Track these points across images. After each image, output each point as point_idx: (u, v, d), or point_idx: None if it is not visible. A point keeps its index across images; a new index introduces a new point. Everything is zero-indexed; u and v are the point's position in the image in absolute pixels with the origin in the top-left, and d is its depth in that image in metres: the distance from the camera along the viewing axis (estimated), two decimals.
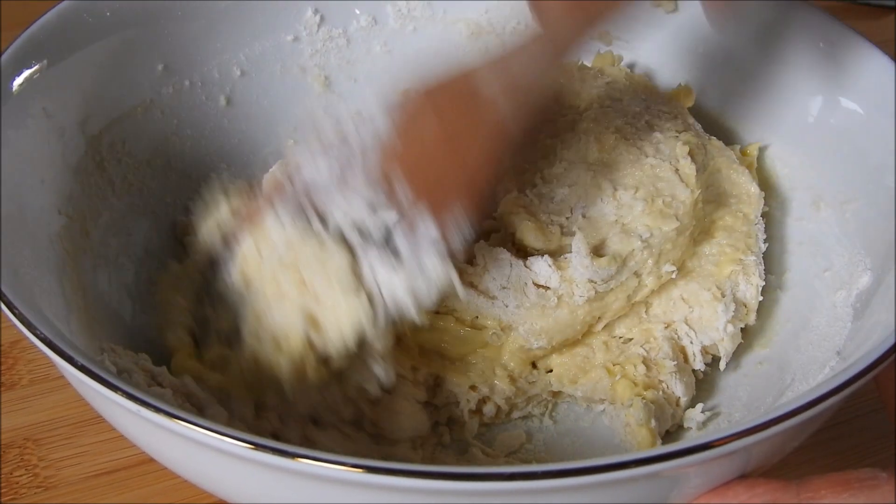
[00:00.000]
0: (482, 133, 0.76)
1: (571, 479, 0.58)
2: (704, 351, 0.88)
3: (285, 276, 0.75)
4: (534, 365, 0.88)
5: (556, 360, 0.88)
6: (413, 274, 0.74)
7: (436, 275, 0.74)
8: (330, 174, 0.77)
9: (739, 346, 0.89)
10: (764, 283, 0.90)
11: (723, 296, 0.87)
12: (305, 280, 0.75)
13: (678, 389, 0.86)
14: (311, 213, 0.76)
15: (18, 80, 0.85)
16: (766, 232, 0.93)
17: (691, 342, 0.88)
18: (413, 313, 0.74)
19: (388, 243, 0.74)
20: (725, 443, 0.60)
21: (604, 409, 0.88)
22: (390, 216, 0.74)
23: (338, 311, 0.74)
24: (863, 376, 0.65)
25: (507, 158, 0.76)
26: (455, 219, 0.74)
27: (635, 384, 0.85)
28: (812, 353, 0.84)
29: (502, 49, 0.79)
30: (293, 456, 0.58)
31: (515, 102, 0.76)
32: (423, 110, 0.78)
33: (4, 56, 0.85)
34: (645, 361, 0.87)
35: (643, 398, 0.84)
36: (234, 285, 0.79)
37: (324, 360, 0.76)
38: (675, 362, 0.86)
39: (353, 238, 0.75)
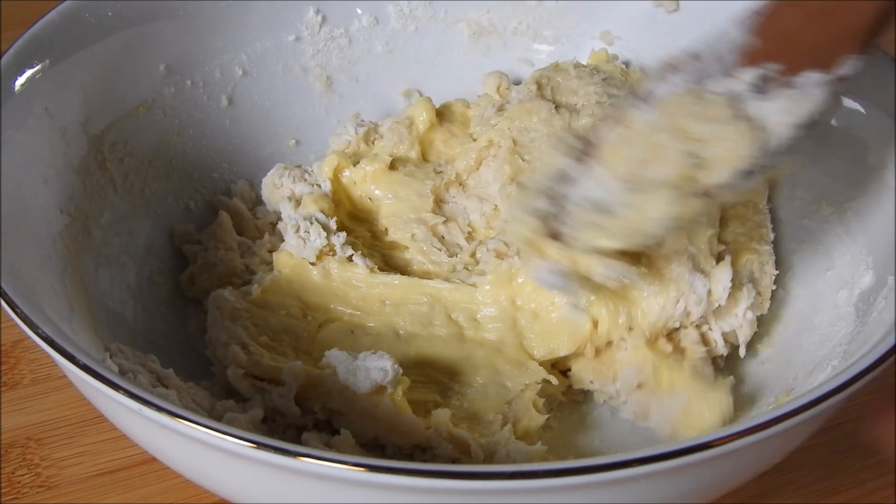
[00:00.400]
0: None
1: (572, 478, 0.58)
2: (724, 339, 0.88)
3: (663, 135, 0.77)
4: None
5: (587, 364, 0.88)
6: (793, 98, 0.74)
7: (813, 101, 0.73)
8: (675, 86, 0.79)
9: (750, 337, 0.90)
10: (777, 273, 0.90)
11: (741, 283, 0.87)
12: (686, 130, 0.76)
13: (707, 373, 0.86)
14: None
15: (20, 80, 0.85)
16: (773, 227, 0.93)
17: (710, 328, 0.87)
18: (799, 137, 0.74)
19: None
20: (725, 442, 0.60)
21: (626, 401, 0.88)
22: (766, 68, 0.75)
23: (727, 144, 0.75)
24: (865, 376, 0.65)
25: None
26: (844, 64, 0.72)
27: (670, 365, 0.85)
28: (814, 352, 0.84)
29: None
30: (296, 455, 0.58)
31: None
32: (780, 7, 0.76)
33: (6, 56, 0.85)
34: (672, 343, 0.86)
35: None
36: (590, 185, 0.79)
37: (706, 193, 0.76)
38: (706, 348, 0.86)
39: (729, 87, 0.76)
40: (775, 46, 0.76)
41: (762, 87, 0.75)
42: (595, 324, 0.85)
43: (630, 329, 0.85)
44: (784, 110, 0.74)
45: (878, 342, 0.69)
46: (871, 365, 0.66)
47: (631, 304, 0.84)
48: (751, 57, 0.77)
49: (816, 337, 0.86)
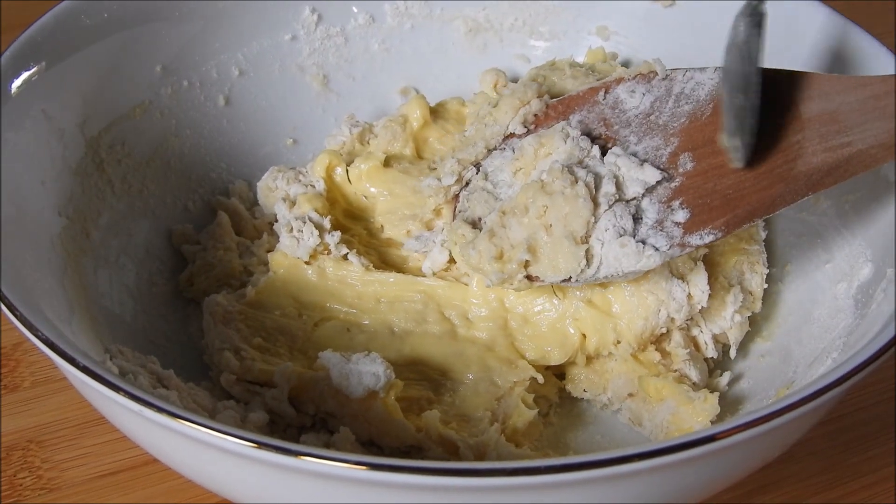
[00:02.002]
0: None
1: (575, 473, 0.58)
2: (715, 340, 0.89)
3: (537, 197, 0.82)
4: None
5: (580, 372, 0.89)
6: (633, 253, 0.79)
7: (652, 260, 0.79)
8: (640, 104, 0.86)
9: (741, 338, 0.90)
10: (768, 271, 0.90)
11: (730, 285, 0.87)
12: (548, 210, 0.81)
13: (693, 375, 0.86)
14: (594, 138, 0.86)
15: (17, 83, 0.85)
16: (765, 223, 0.93)
17: (701, 331, 0.88)
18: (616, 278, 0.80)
19: (636, 206, 0.81)
20: (728, 435, 0.60)
21: (620, 409, 0.89)
22: (654, 175, 0.81)
23: (557, 251, 0.81)
24: (865, 367, 0.65)
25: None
26: (718, 223, 0.79)
27: (657, 375, 0.86)
28: (814, 345, 0.84)
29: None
30: (297, 454, 0.58)
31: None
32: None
33: (3, 58, 0.85)
34: (659, 349, 0.87)
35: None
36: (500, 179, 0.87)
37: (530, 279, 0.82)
38: (689, 350, 0.87)
39: (609, 187, 0.81)
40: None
41: (640, 202, 0.82)
42: (584, 336, 0.86)
43: (618, 342, 0.86)
44: (626, 258, 0.79)
45: (877, 334, 0.69)
46: (871, 357, 0.66)
47: (616, 318, 0.85)
48: (694, 128, 0.83)
49: (816, 330, 0.86)
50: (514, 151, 0.89)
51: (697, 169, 0.82)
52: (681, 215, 0.80)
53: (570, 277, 0.81)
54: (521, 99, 0.92)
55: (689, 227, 0.80)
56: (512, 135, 0.91)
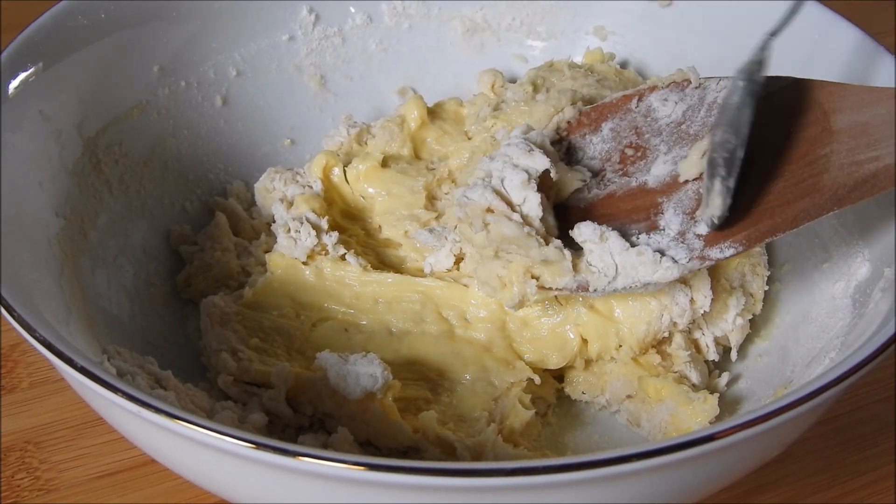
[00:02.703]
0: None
1: (572, 473, 0.58)
2: (716, 342, 0.89)
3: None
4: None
5: (578, 375, 0.89)
6: (650, 262, 0.78)
7: (670, 272, 0.78)
8: (672, 112, 0.86)
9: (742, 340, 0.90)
10: (769, 274, 0.90)
11: (732, 288, 0.87)
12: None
13: (693, 376, 0.87)
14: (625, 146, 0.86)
15: (14, 83, 0.85)
16: None
17: (703, 334, 0.88)
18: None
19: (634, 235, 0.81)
20: (727, 435, 0.60)
21: (618, 410, 0.89)
22: (543, 163, 0.81)
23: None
24: (862, 367, 0.65)
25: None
26: (739, 237, 0.78)
27: (657, 376, 0.86)
28: (812, 344, 0.84)
29: None
30: (295, 454, 0.58)
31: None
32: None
33: (0, 59, 0.85)
34: (659, 352, 0.87)
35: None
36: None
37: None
38: (689, 352, 0.87)
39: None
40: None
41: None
42: (584, 341, 0.86)
43: (619, 346, 0.86)
44: (643, 266, 0.79)
45: (875, 333, 0.70)
46: (869, 356, 0.66)
47: (618, 323, 0.85)
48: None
49: (814, 329, 0.86)
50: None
51: None
52: (703, 227, 0.79)
53: (589, 288, 0.80)
54: (555, 106, 0.92)
55: (710, 240, 0.79)
56: None
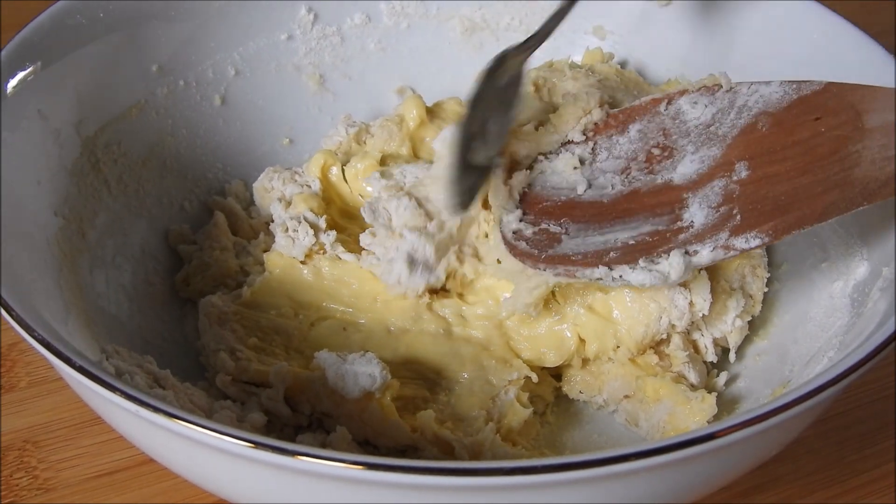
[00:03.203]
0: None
1: (571, 473, 0.58)
2: (715, 343, 0.89)
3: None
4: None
5: (575, 374, 0.89)
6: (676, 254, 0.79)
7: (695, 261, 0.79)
8: (702, 115, 0.87)
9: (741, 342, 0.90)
10: (769, 275, 0.90)
11: (731, 290, 0.87)
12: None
13: (691, 376, 0.87)
14: (652, 147, 0.87)
15: (12, 83, 0.85)
16: None
17: (702, 335, 0.88)
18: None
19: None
20: (726, 434, 0.60)
21: (616, 409, 0.89)
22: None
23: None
24: (861, 366, 0.65)
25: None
26: (766, 227, 0.78)
27: (654, 376, 0.86)
28: (810, 343, 0.84)
29: None
30: (294, 454, 0.58)
31: None
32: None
33: None
34: (657, 352, 0.87)
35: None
36: None
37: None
38: (688, 353, 0.87)
39: None
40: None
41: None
42: (582, 341, 0.86)
43: (617, 347, 0.86)
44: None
45: (873, 332, 0.70)
46: (868, 356, 0.66)
47: (616, 324, 0.85)
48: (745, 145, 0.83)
49: (812, 328, 0.86)
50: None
51: (752, 177, 0.81)
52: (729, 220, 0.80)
53: (601, 278, 0.80)
54: (583, 108, 0.91)
55: (735, 230, 0.79)
56: (570, 142, 0.90)
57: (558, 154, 0.90)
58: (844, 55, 0.93)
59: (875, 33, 0.92)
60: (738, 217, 0.79)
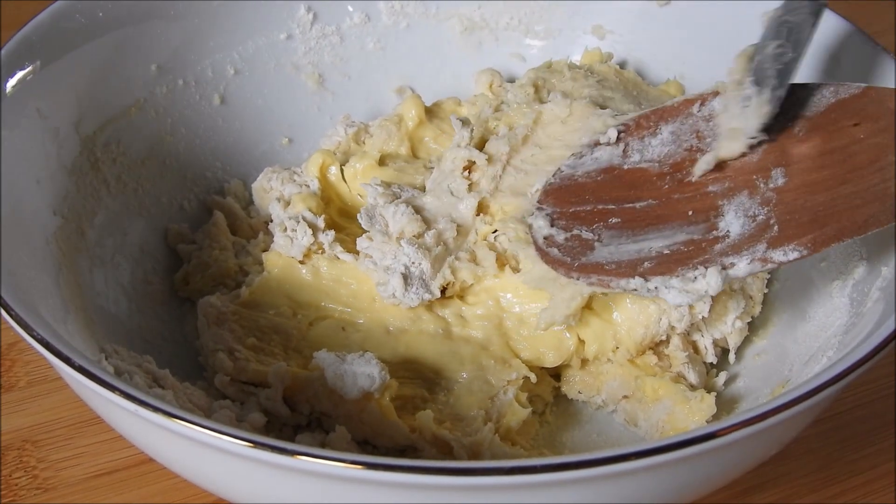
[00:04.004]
0: None
1: (572, 472, 0.58)
2: (714, 344, 0.89)
3: None
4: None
5: (574, 374, 0.89)
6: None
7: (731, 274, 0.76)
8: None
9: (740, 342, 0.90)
10: (769, 276, 0.90)
11: (732, 291, 0.87)
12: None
13: (691, 377, 0.87)
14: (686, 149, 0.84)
15: (12, 82, 0.85)
16: None
17: (702, 336, 0.88)
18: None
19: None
20: (725, 433, 0.60)
21: (615, 409, 0.89)
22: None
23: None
24: (860, 366, 0.65)
25: None
26: (804, 240, 0.76)
27: (654, 376, 0.86)
28: (809, 343, 0.84)
29: None
30: (293, 453, 0.58)
31: None
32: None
33: None
34: (657, 353, 0.87)
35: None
36: None
37: None
38: (687, 353, 0.87)
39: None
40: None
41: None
42: (581, 341, 0.86)
43: (616, 348, 0.86)
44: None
45: (872, 332, 0.69)
46: (867, 355, 0.66)
47: (616, 326, 0.85)
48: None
49: (811, 328, 0.86)
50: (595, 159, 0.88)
51: (789, 185, 0.79)
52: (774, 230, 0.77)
53: (636, 289, 0.78)
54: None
55: (773, 243, 0.77)
56: (597, 142, 0.89)
57: (590, 152, 0.88)
58: (844, 55, 0.93)
59: (875, 33, 0.92)
60: (776, 228, 0.77)
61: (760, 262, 0.76)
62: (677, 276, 0.77)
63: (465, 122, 0.95)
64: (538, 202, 0.87)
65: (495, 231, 0.88)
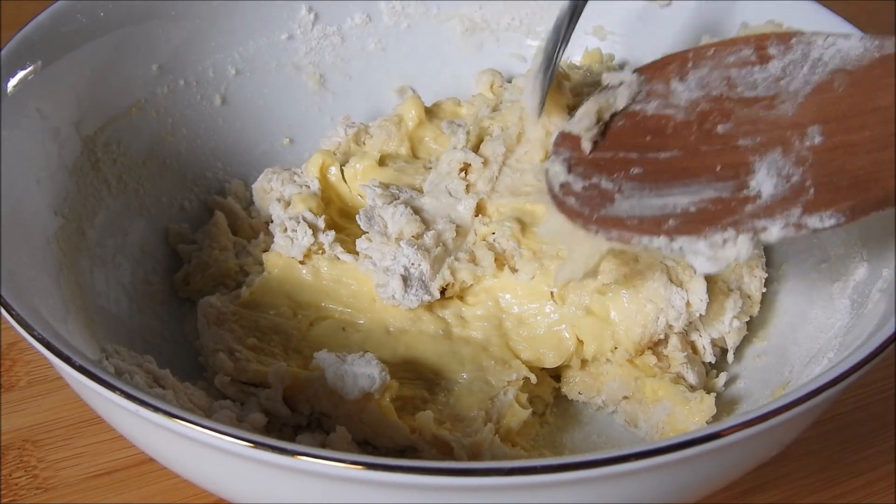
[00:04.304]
0: None
1: (570, 473, 0.58)
2: (713, 344, 0.89)
3: None
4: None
5: (574, 375, 0.89)
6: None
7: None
8: (770, 66, 0.78)
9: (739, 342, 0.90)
10: (767, 275, 0.90)
11: (729, 290, 0.87)
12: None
13: (690, 377, 0.87)
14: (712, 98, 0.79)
15: (13, 82, 0.85)
16: None
17: (700, 336, 0.88)
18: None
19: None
20: (725, 434, 0.60)
21: (615, 410, 0.89)
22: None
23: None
24: (861, 367, 0.65)
25: None
26: (843, 206, 0.70)
27: (653, 376, 0.86)
28: (810, 345, 0.84)
29: None
30: (293, 454, 0.58)
31: None
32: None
33: None
34: (655, 353, 0.87)
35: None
36: None
37: None
38: (686, 353, 0.87)
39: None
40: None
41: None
42: (580, 342, 0.86)
43: (615, 348, 0.86)
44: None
45: (873, 334, 0.69)
46: (867, 357, 0.66)
47: (614, 325, 0.85)
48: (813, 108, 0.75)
49: (812, 329, 0.86)
50: None
51: (826, 144, 0.72)
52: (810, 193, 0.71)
53: (660, 248, 0.72)
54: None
55: (808, 207, 0.70)
56: (609, 86, 0.85)
57: (610, 94, 0.84)
58: None
59: (876, 29, 0.92)
60: (812, 191, 0.70)
61: (795, 227, 0.69)
62: (705, 238, 0.71)
63: (459, 124, 0.95)
64: (555, 145, 0.82)
65: (494, 231, 0.88)
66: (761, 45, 0.80)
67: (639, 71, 0.84)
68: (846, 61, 0.75)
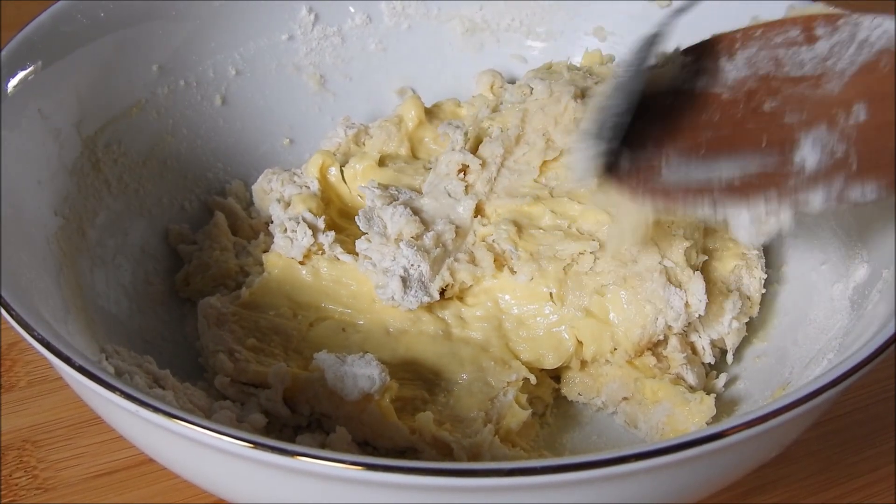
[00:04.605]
0: None
1: (570, 474, 0.58)
2: (713, 345, 0.89)
3: None
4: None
5: (574, 376, 0.89)
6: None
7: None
8: (818, 46, 0.79)
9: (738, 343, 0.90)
10: (766, 276, 0.90)
11: (728, 291, 0.87)
12: None
13: (690, 378, 0.87)
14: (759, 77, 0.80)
15: (13, 82, 0.85)
16: None
17: (699, 336, 0.88)
18: None
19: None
20: (725, 436, 0.60)
21: (615, 411, 0.89)
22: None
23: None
24: (861, 368, 0.65)
25: None
26: (886, 180, 0.71)
27: (653, 377, 0.86)
28: (810, 345, 0.84)
29: None
30: (293, 454, 0.58)
31: None
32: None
33: None
34: (655, 354, 0.87)
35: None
36: None
37: None
38: (685, 354, 0.87)
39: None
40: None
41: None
42: (580, 343, 0.86)
43: (614, 349, 0.86)
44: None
45: (873, 335, 0.69)
46: (867, 358, 0.66)
47: (613, 326, 0.85)
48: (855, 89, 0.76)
49: (812, 330, 0.86)
50: None
51: (870, 122, 0.74)
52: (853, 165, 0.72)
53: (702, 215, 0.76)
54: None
55: (851, 179, 0.71)
56: (664, 62, 0.86)
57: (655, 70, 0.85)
58: None
59: None
60: (855, 165, 0.72)
61: (836, 200, 0.72)
62: (748, 208, 0.73)
63: (457, 126, 0.95)
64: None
65: (492, 233, 0.89)
66: (809, 25, 0.81)
67: (686, 51, 0.86)
68: (892, 42, 0.77)
